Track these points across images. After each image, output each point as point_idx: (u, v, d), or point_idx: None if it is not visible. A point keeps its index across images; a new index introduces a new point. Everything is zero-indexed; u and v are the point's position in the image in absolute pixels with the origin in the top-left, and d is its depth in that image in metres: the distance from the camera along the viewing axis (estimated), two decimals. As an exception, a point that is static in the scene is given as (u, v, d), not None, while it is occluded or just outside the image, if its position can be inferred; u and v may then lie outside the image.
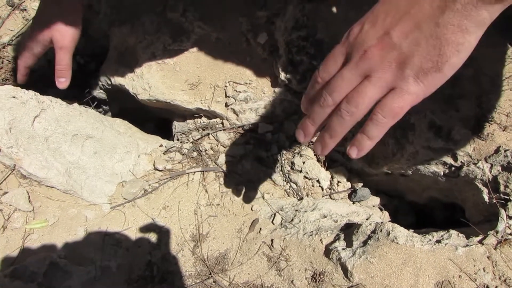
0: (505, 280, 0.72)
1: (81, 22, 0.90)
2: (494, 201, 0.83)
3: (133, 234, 0.88)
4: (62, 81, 0.91)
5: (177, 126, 1.12)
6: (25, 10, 1.21)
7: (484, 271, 0.73)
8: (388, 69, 0.47)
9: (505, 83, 0.88)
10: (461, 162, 0.88)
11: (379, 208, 1.05)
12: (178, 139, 1.09)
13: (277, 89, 1.00)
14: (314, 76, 0.53)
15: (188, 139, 1.04)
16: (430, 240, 0.77)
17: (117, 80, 1.10)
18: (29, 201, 0.85)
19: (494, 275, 0.73)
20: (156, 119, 1.27)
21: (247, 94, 1.00)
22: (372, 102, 0.48)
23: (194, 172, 0.96)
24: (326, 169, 1.01)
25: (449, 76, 0.46)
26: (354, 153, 0.52)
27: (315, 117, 0.54)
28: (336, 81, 0.50)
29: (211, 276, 0.81)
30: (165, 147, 1.03)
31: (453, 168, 0.90)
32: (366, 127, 0.50)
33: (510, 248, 0.76)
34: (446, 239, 0.77)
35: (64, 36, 0.88)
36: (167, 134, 1.17)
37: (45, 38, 0.88)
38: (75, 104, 0.99)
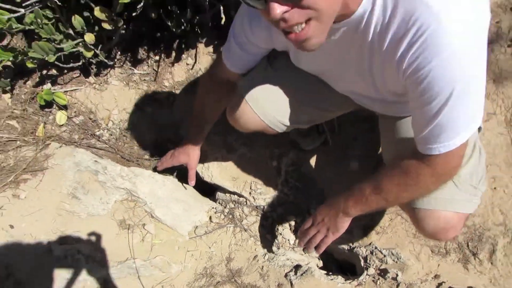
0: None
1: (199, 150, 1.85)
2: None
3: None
4: (193, 183, 1.89)
5: (220, 195, 2.08)
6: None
7: (351, 295, 1.71)
8: (325, 229, 1.39)
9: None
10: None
11: (318, 258, 2.03)
12: (220, 204, 2.06)
13: (278, 192, 1.99)
14: (301, 227, 1.47)
15: (226, 206, 2.01)
16: (332, 278, 1.76)
17: (193, 166, 2.07)
18: (155, 230, 1.80)
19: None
20: (208, 187, 2.24)
21: (261, 190, 1.98)
22: (321, 238, 1.39)
23: (229, 226, 1.93)
24: (295, 235, 1.99)
25: (344, 230, 1.40)
26: (308, 252, 1.51)
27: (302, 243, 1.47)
28: (308, 231, 1.42)
29: None
30: (215, 209, 2.00)
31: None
32: (319, 245, 1.40)
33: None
34: (338, 278, 1.76)
35: (193, 162, 1.84)
36: (212, 196, 2.13)
37: (182, 161, 1.84)
38: (176, 180, 1.95)
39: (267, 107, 1.49)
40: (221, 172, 2.03)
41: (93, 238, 1.65)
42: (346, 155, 2.00)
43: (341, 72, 1.27)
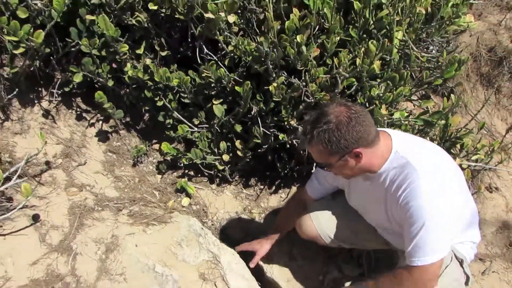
0: None
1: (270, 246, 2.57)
2: None
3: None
4: (252, 265, 2.52)
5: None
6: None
7: None
8: None
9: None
10: None
11: None
12: (271, 297, 2.64)
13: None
14: None
15: (276, 299, 2.59)
16: None
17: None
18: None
19: None
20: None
21: (306, 294, 2.56)
22: None
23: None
24: None
25: None
26: None
27: None
28: None
29: None
30: (263, 295, 2.59)
31: None
32: None
33: None
34: None
35: (262, 251, 2.49)
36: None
37: (255, 248, 2.53)
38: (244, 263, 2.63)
39: (322, 223, 2.28)
40: (280, 272, 2.65)
41: (181, 274, 2.36)
42: None
43: (370, 205, 2.04)
